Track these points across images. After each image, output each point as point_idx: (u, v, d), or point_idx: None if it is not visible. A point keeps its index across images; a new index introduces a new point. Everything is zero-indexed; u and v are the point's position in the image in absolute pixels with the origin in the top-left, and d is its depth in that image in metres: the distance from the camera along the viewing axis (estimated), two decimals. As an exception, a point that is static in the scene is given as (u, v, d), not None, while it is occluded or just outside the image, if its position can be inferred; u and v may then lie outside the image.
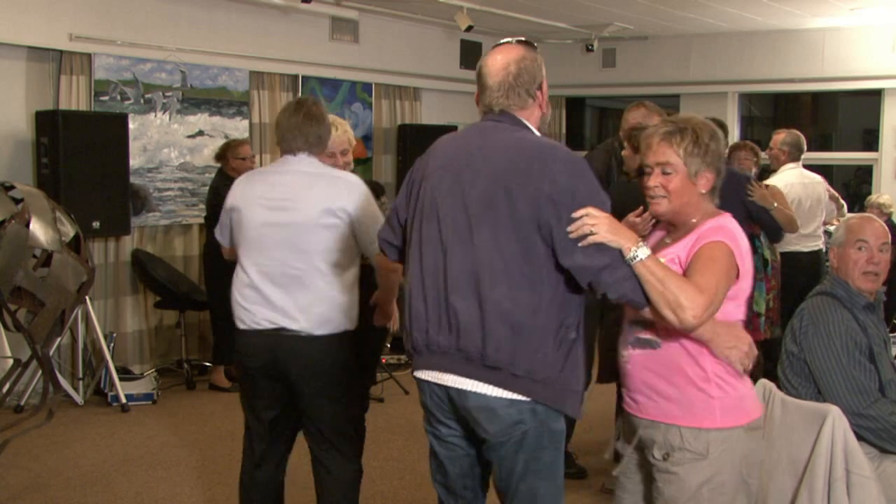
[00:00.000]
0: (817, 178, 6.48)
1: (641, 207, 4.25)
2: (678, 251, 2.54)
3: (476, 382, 2.49)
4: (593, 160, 5.07)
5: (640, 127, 4.59)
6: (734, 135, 9.33)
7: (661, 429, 2.55)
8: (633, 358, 2.61)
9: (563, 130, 10.27)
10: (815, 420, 2.95)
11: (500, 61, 2.57)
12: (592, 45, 9.43)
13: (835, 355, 3.08)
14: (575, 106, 10.64)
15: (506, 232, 2.44)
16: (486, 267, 2.45)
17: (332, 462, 3.40)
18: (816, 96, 9.86)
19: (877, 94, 8.76)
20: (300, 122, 3.35)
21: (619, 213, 4.38)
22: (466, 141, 2.61)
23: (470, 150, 2.56)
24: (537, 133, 2.59)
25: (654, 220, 4.21)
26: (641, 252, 2.35)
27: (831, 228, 7.30)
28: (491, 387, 2.47)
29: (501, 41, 2.65)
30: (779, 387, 3.25)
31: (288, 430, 3.48)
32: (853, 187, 9.71)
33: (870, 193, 8.45)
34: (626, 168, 4.55)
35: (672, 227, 2.66)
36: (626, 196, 4.41)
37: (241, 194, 3.39)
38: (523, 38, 2.64)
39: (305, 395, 3.32)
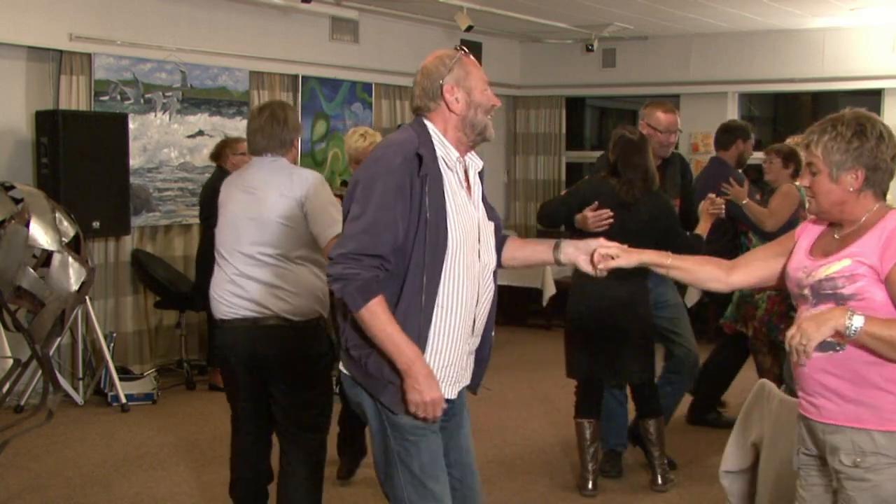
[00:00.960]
0: None
1: (596, 203, 4.37)
2: (863, 252, 2.42)
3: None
4: (600, 158, 5.12)
5: (630, 131, 4.66)
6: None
7: (847, 433, 2.42)
8: (812, 360, 2.40)
9: (563, 130, 10.26)
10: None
11: (420, 66, 2.71)
12: (592, 45, 9.42)
13: None
14: (575, 106, 10.63)
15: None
16: None
17: (291, 450, 3.55)
18: (816, 96, 9.85)
19: (877, 94, 8.75)
20: (263, 125, 3.55)
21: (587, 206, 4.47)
22: None
23: None
24: (437, 136, 2.64)
25: (609, 218, 4.29)
26: (856, 322, 2.27)
27: None
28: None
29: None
30: (779, 385, 3.25)
31: (267, 416, 3.61)
32: (853, 187, 9.69)
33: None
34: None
35: (834, 224, 2.55)
36: (593, 193, 4.49)
37: (223, 195, 3.64)
38: (459, 46, 2.79)
39: (272, 382, 3.51)
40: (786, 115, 10.34)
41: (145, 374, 6.54)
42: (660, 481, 4.64)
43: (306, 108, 7.99)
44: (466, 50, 2.73)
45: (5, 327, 4.41)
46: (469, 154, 2.72)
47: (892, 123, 8.71)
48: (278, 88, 7.80)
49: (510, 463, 5.06)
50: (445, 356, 2.63)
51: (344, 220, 2.63)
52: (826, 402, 2.46)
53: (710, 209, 4.61)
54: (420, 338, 2.55)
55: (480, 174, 2.78)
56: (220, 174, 6.38)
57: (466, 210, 2.64)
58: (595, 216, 4.38)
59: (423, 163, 2.56)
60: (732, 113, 9.38)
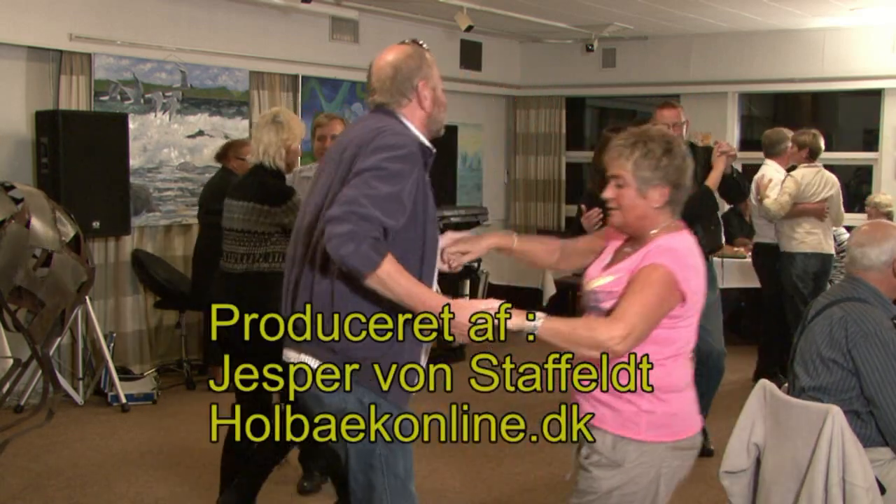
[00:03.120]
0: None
1: (584, 206, 4.66)
2: (627, 268, 2.54)
3: (294, 353, 2.62)
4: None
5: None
6: (734, 135, 9.35)
7: (591, 430, 2.59)
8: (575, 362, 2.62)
9: (564, 130, 10.26)
10: (817, 421, 2.94)
11: (381, 61, 2.68)
12: (592, 45, 9.42)
13: (893, 366, 3.03)
14: (575, 106, 10.63)
15: (322, 200, 2.57)
16: (303, 236, 2.62)
17: None
18: (816, 96, 9.85)
19: (877, 94, 8.75)
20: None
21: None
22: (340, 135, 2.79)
23: (337, 141, 2.75)
24: (412, 129, 2.63)
25: (598, 215, 4.51)
26: (536, 323, 2.36)
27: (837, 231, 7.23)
28: (310, 357, 2.57)
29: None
30: (790, 389, 3.24)
31: None
32: (853, 187, 9.71)
33: (870, 193, 8.44)
34: None
35: (632, 238, 2.65)
36: (583, 197, 4.85)
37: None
38: (415, 39, 2.74)
39: None
40: (786, 115, 10.33)
41: (145, 374, 6.55)
42: None
43: (306, 108, 7.99)
44: (423, 44, 2.73)
45: (5, 327, 4.41)
46: None
47: (893, 123, 8.79)
48: (278, 88, 7.80)
49: (511, 461, 5.07)
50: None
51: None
52: (583, 401, 2.62)
53: (719, 150, 4.85)
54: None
55: None
56: (224, 175, 6.44)
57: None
58: (586, 218, 4.62)
59: (428, 156, 2.60)
60: (732, 113, 9.39)
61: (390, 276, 2.36)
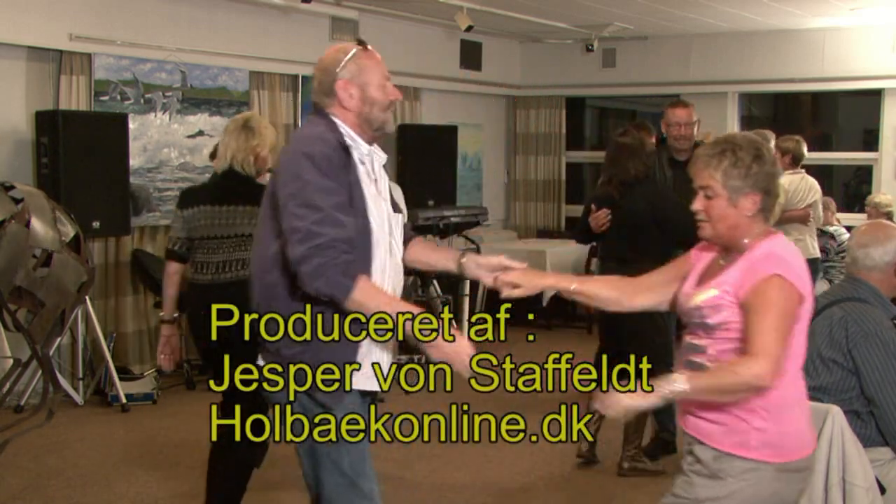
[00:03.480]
0: None
1: (593, 206, 4.77)
2: (728, 281, 2.47)
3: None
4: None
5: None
6: (734, 135, 9.34)
7: (699, 444, 2.54)
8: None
9: (564, 130, 10.26)
10: (817, 421, 2.94)
11: (318, 60, 2.69)
12: (592, 45, 9.43)
13: (893, 366, 3.03)
14: (575, 106, 10.63)
15: (265, 209, 2.65)
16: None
17: None
18: (816, 96, 9.85)
19: (877, 94, 8.76)
20: None
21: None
22: None
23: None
24: (345, 130, 2.62)
25: (606, 216, 4.54)
26: (679, 385, 2.33)
27: (831, 229, 7.29)
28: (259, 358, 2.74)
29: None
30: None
31: None
32: (853, 187, 9.71)
33: (870, 193, 8.45)
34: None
35: (725, 249, 2.58)
36: (592, 197, 4.92)
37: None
38: (358, 38, 2.73)
39: None
40: (786, 115, 10.34)
41: (145, 374, 6.55)
42: (625, 465, 4.67)
43: (306, 108, 7.99)
44: (365, 43, 2.69)
45: (5, 327, 4.40)
46: (373, 147, 2.70)
47: (893, 123, 8.82)
48: (278, 88, 7.81)
49: (511, 461, 5.07)
50: (380, 354, 2.67)
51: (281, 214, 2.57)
52: (693, 419, 2.54)
53: None
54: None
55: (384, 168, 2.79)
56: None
57: (378, 202, 2.65)
58: (594, 218, 4.71)
59: (349, 153, 2.59)
60: (732, 113, 9.39)
61: (366, 294, 2.45)
